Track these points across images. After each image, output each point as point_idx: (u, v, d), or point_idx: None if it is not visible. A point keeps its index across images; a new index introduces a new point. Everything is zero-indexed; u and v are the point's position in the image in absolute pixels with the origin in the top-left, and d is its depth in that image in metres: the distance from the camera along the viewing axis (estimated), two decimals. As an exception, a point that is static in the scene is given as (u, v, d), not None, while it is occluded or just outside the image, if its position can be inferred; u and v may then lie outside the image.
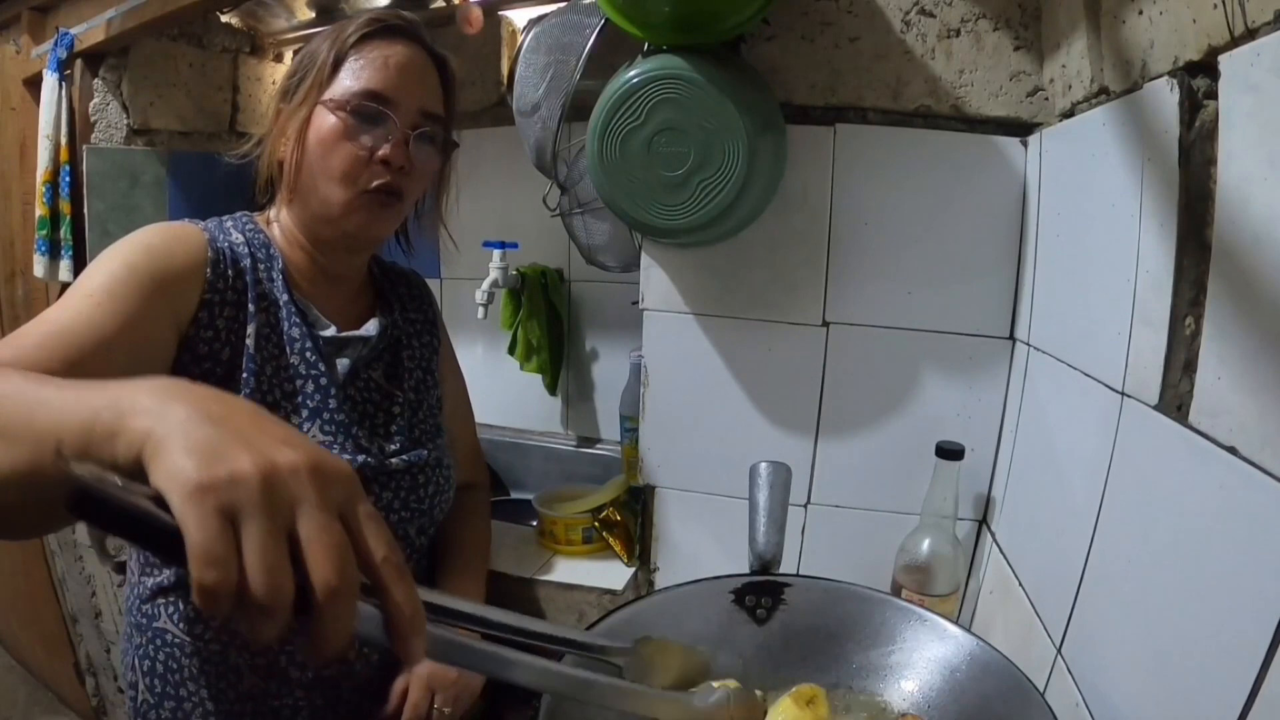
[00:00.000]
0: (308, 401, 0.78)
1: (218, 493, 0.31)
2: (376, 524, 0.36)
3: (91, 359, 0.61)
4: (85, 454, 0.35)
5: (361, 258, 0.89)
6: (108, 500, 0.31)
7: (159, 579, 0.78)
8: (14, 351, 0.58)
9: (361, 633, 0.34)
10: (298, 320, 0.79)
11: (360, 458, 0.79)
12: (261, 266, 0.79)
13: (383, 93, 0.78)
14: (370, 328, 0.87)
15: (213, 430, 0.33)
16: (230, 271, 0.76)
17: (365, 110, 0.78)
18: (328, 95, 0.78)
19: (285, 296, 0.79)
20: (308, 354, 0.79)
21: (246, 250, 0.79)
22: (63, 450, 0.35)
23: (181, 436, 0.33)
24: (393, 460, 0.83)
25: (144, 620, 0.79)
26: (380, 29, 0.81)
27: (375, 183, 0.78)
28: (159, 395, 0.36)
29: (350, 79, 0.79)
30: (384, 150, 0.78)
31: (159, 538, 0.31)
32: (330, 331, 0.82)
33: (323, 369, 0.79)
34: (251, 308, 0.76)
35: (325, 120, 0.78)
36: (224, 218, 0.83)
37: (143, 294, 0.67)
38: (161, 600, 0.77)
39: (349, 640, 0.33)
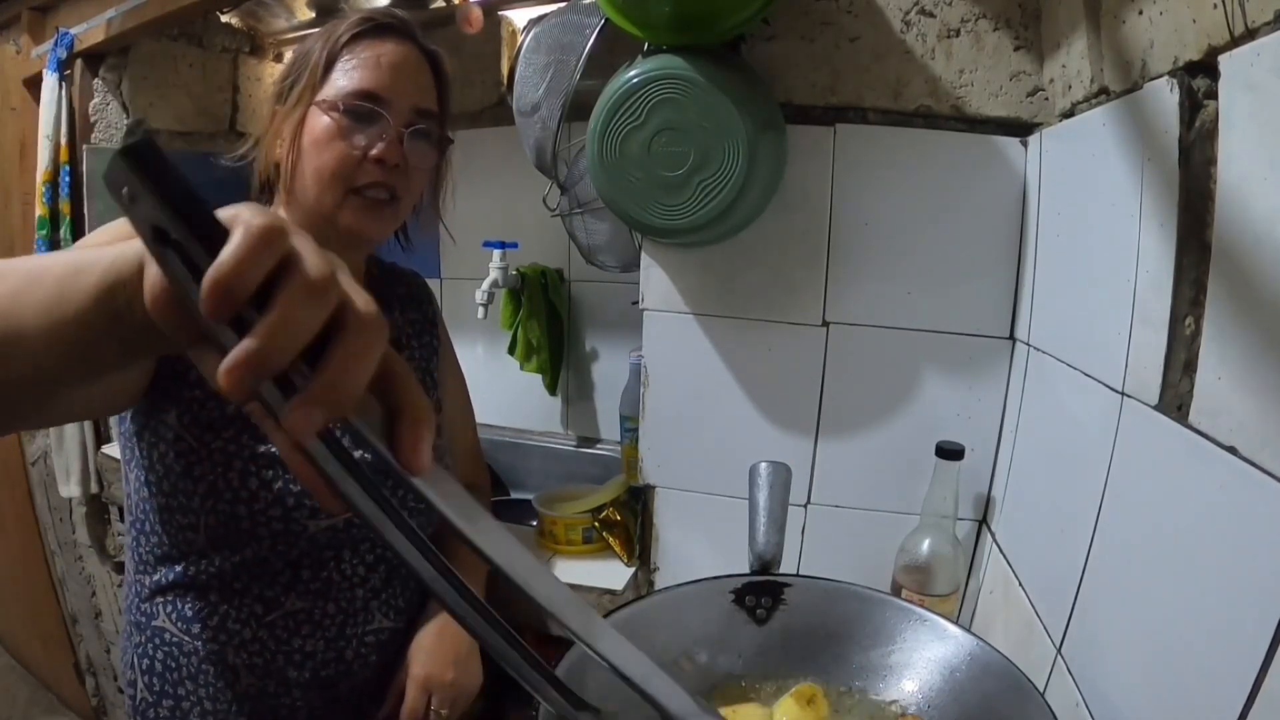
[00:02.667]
0: None
1: (282, 233, 0.30)
2: (411, 379, 0.34)
3: None
4: (113, 284, 0.35)
5: (359, 257, 0.89)
6: (165, 157, 0.28)
7: (157, 578, 0.78)
8: None
9: (361, 426, 0.31)
10: None
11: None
12: None
13: (375, 91, 0.78)
14: None
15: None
16: None
17: (358, 110, 0.78)
18: (321, 96, 0.78)
19: None
20: None
21: None
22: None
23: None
24: None
25: (142, 619, 0.79)
26: (371, 28, 0.81)
27: (369, 181, 0.78)
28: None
29: (343, 79, 0.79)
30: (378, 149, 0.78)
31: (201, 211, 0.29)
32: None
33: None
34: None
35: (319, 121, 0.78)
36: None
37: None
38: (160, 599, 0.78)
39: (356, 394, 0.30)
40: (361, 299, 0.32)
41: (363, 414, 0.32)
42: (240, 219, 0.29)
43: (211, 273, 0.28)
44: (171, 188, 0.28)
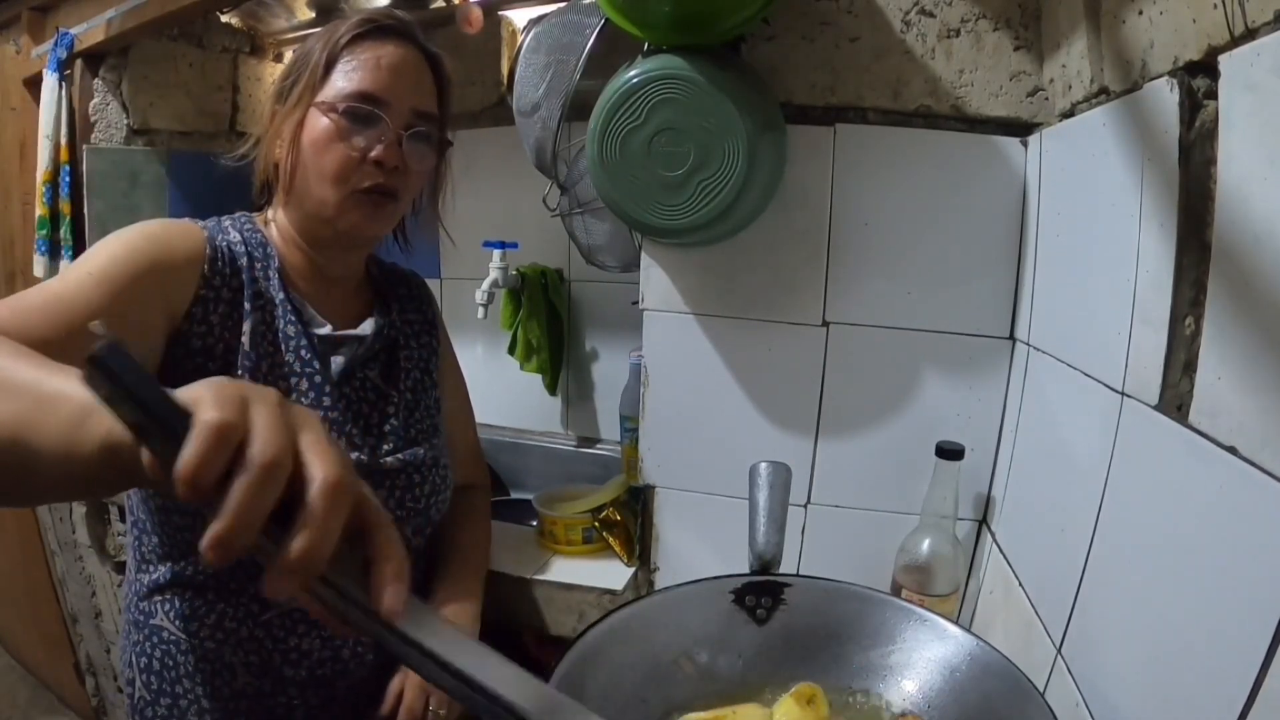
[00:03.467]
0: (301, 399, 0.78)
1: (236, 387, 0.34)
2: (390, 527, 0.36)
3: (82, 331, 0.62)
4: (79, 427, 0.38)
5: (358, 257, 0.89)
6: (130, 363, 0.31)
7: (155, 576, 0.78)
8: (13, 314, 0.59)
9: (334, 576, 0.33)
10: (293, 318, 0.79)
11: (353, 455, 0.79)
12: (258, 265, 0.79)
13: (375, 93, 0.78)
14: (366, 327, 0.87)
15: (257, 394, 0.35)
16: (227, 269, 0.76)
17: (357, 111, 0.78)
18: (320, 97, 0.79)
19: (281, 295, 0.79)
20: (302, 351, 0.79)
21: (244, 249, 0.79)
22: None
23: (209, 381, 0.35)
24: (387, 459, 0.83)
25: (141, 617, 0.79)
26: (372, 29, 0.81)
27: (368, 183, 0.79)
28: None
29: (342, 80, 0.79)
30: (377, 151, 0.78)
31: (165, 414, 0.32)
32: (325, 330, 0.83)
33: (317, 366, 0.80)
34: (247, 305, 0.77)
35: (318, 122, 0.78)
36: (222, 218, 0.83)
37: (138, 276, 0.68)
38: (158, 597, 0.78)
39: (325, 557, 0.33)
40: (324, 464, 0.34)
41: (338, 565, 0.34)
42: (199, 411, 0.32)
43: (177, 472, 0.31)
44: (137, 392, 0.32)
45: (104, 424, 0.37)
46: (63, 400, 0.39)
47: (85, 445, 0.38)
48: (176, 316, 0.73)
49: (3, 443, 0.40)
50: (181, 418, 0.32)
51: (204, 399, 0.32)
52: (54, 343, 0.55)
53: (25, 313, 0.60)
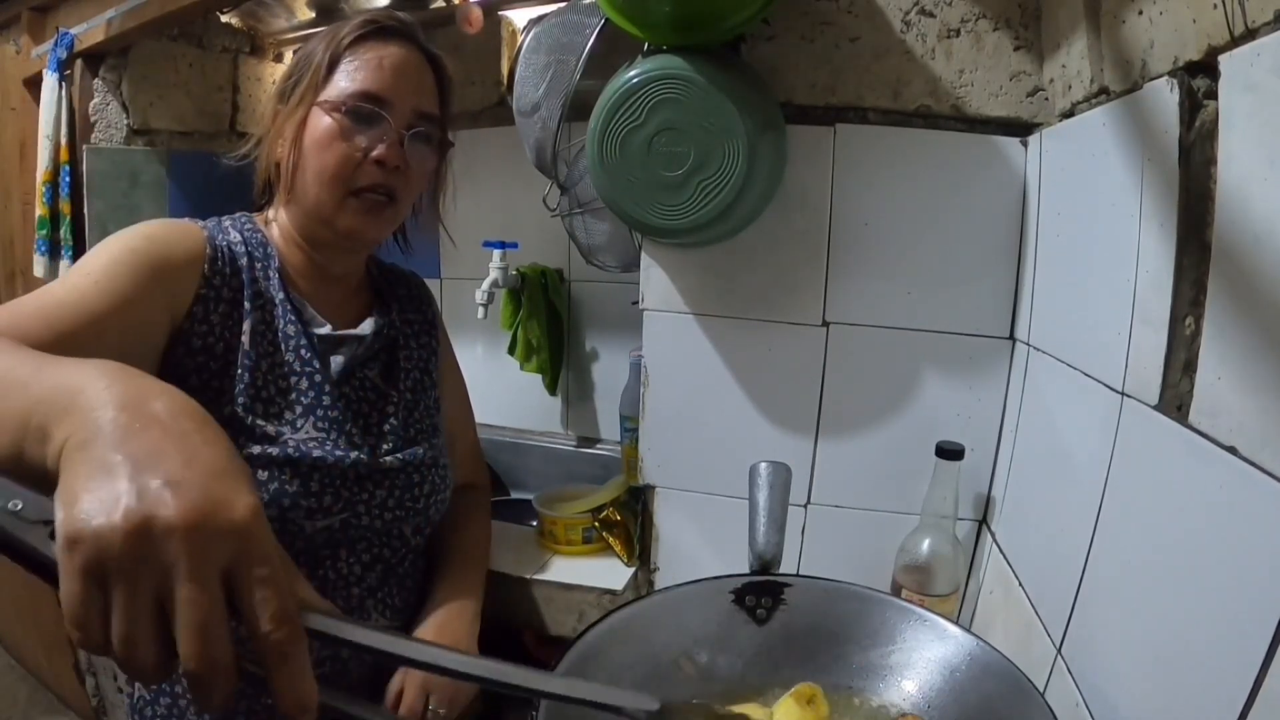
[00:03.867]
0: (301, 398, 0.78)
1: (85, 549, 0.31)
2: (267, 590, 0.33)
3: (84, 334, 0.62)
4: (20, 450, 0.38)
5: (358, 257, 0.89)
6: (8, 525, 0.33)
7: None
8: (11, 319, 0.59)
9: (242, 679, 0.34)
10: (293, 318, 0.79)
11: (353, 454, 0.79)
12: (258, 265, 0.79)
13: (377, 94, 0.79)
14: (366, 326, 0.87)
15: (118, 454, 0.33)
16: (227, 269, 0.77)
17: (360, 111, 0.78)
18: (323, 97, 0.79)
19: (281, 294, 0.80)
20: (302, 351, 0.79)
21: (244, 249, 0.79)
22: None
23: (89, 456, 0.34)
24: (386, 459, 0.83)
25: None
26: (375, 30, 0.81)
27: (369, 183, 0.79)
28: (103, 386, 0.37)
29: (345, 80, 0.79)
30: (378, 151, 0.78)
31: (42, 571, 0.33)
32: (325, 329, 0.83)
33: (317, 366, 0.80)
34: (247, 305, 0.77)
35: (320, 122, 0.78)
36: (222, 218, 0.83)
37: (139, 277, 0.68)
38: None
39: (229, 700, 0.33)
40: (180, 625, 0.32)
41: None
42: (62, 551, 0.32)
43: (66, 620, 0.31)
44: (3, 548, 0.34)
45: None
46: (3, 426, 0.39)
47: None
48: (177, 316, 0.73)
49: None
50: (52, 569, 0.32)
51: (61, 567, 0.32)
52: (49, 348, 0.54)
53: (21, 317, 0.60)
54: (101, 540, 0.31)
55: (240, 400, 0.74)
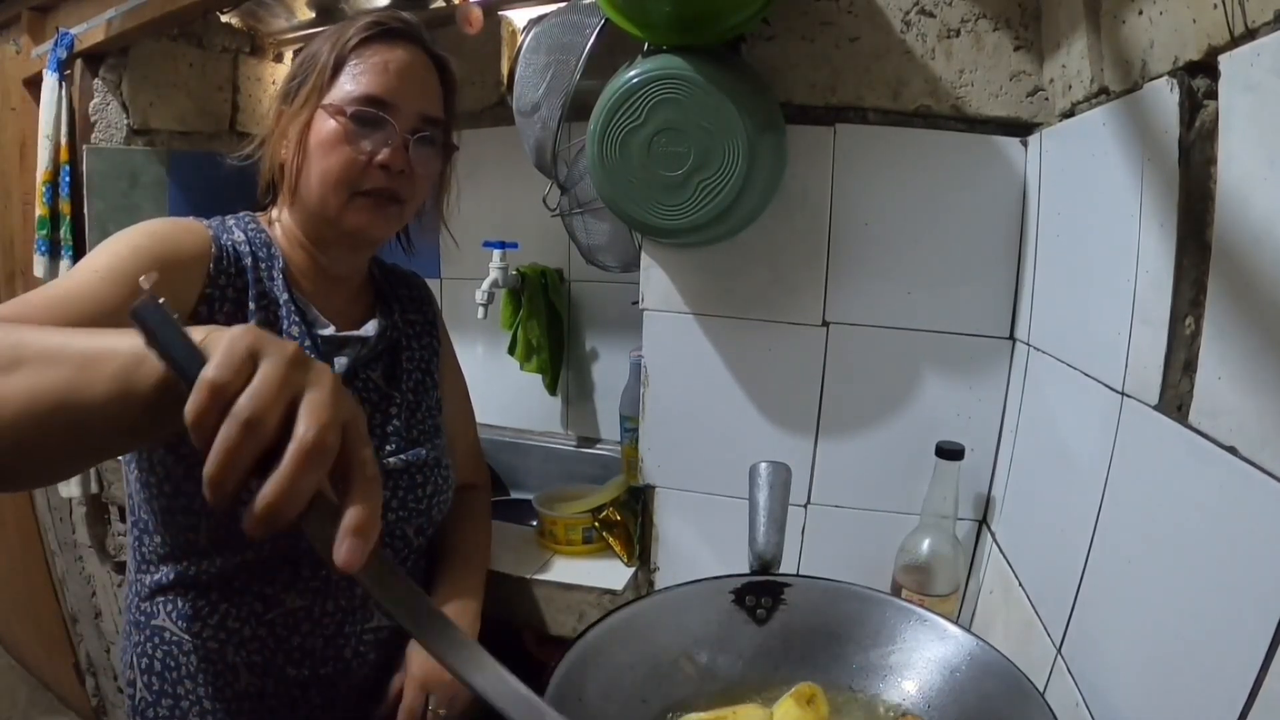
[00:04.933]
0: None
1: (255, 339, 0.37)
2: (369, 444, 0.38)
3: (92, 327, 0.62)
4: (128, 381, 0.40)
5: (362, 258, 0.89)
6: (162, 316, 0.37)
7: (158, 577, 0.78)
8: (21, 312, 0.59)
9: (308, 525, 0.36)
10: (297, 319, 0.79)
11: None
12: (262, 265, 0.79)
13: (382, 97, 0.79)
14: (369, 328, 0.87)
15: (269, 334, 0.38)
16: (232, 269, 0.76)
17: (364, 115, 0.78)
18: (327, 99, 0.79)
19: (285, 295, 0.79)
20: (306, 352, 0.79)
21: (248, 249, 0.79)
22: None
23: (241, 329, 0.38)
24: (390, 460, 0.83)
25: (142, 618, 0.79)
26: (380, 32, 0.81)
27: (372, 186, 0.79)
28: (245, 328, 0.39)
29: (350, 83, 0.79)
30: (382, 155, 0.78)
31: (187, 365, 0.36)
32: (329, 331, 0.83)
33: None
34: (251, 305, 0.77)
35: (325, 124, 0.78)
36: (226, 217, 0.83)
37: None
38: (160, 598, 0.77)
39: (294, 515, 0.35)
40: (309, 423, 0.36)
41: (318, 515, 0.36)
42: (206, 366, 0.36)
43: (184, 419, 0.35)
44: (165, 344, 0.37)
45: (157, 368, 0.39)
46: (109, 355, 0.41)
47: (140, 388, 0.40)
48: (183, 315, 0.72)
49: (51, 409, 0.41)
50: (200, 366, 0.36)
51: (215, 352, 0.36)
52: None
53: (30, 310, 0.59)
54: (271, 341, 0.37)
55: None
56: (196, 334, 0.38)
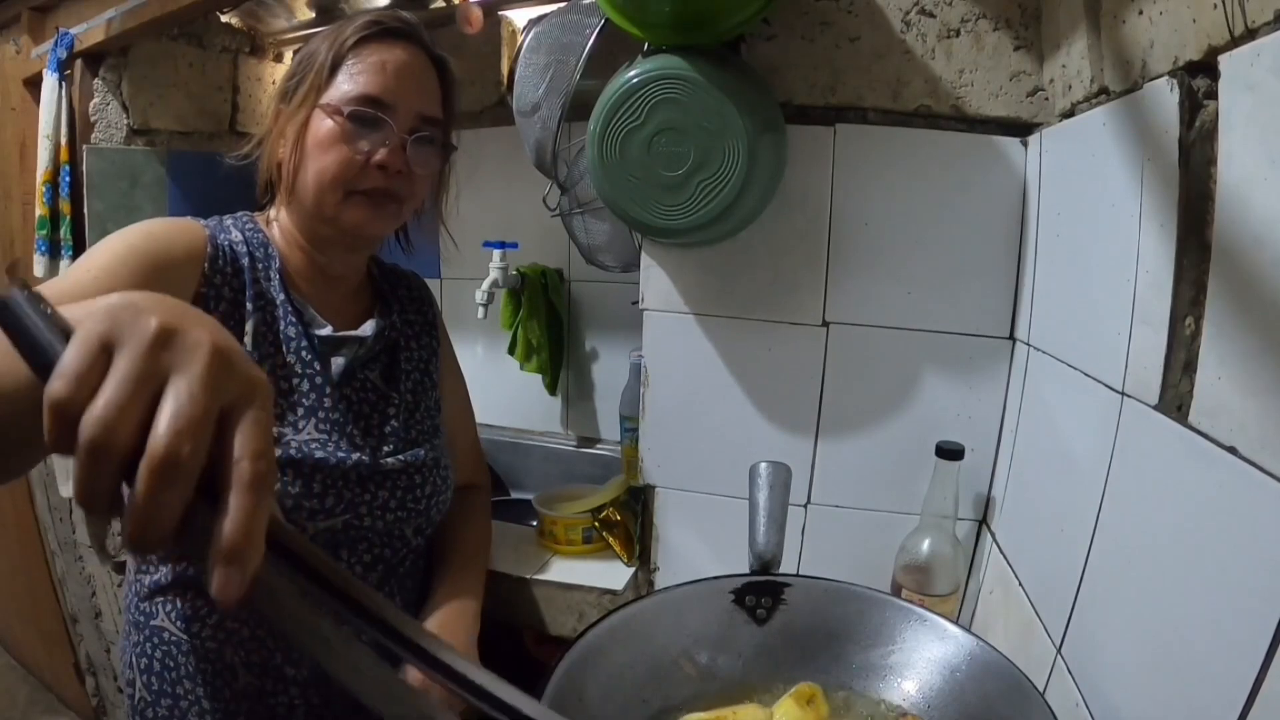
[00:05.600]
0: (303, 400, 0.78)
1: (111, 326, 0.30)
2: (259, 432, 0.31)
3: None
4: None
5: (360, 257, 0.89)
6: (24, 311, 0.31)
7: (156, 577, 0.78)
8: None
9: (183, 544, 0.29)
10: (294, 319, 0.79)
11: (355, 456, 0.79)
12: (259, 265, 0.79)
13: (380, 97, 0.78)
14: (367, 328, 0.87)
15: (153, 301, 0.32)
16: (228, 269, 0.76)
17: (362, 115, 0.78)
18: (325, 99, 0.79)
19: (282, 295, 0.79)
20: (303, 352, 0.79)
21: (245, 249, 0.79)
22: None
23: (121, 301, 0.32)
24: (388, 460, 0.83)
25: (141, 618, 0.79)
26: (379, 31, 0.81)
27: (370, 186, 0.79)
28: (130, 292, 0.34)
29: (348, 83, 0.79)
30: (380, 155, 0.78)
31: (40, 357, 0.30)
32: (326, 330, 0.83)
33: (318, 368, 0.80)
34: (249, 305, 0.77)
35: (322, 124, 0.78)
36: (224, 217, 0.83)
37: (140, 273, 0.68)
38: (159, 598, 0.78)
39: (163, 537, 0.29)
40: (153, 442, 0.28)
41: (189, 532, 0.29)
42: (85, 318, 0.30)
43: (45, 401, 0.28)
44: (23, 345, 0.30)
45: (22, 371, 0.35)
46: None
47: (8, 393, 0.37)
48: None
49: None
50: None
51: (65, 352, 0.29)
52: None
53: None
54: (131, 321, 0.30)
55: None
56: (75, 310, 0.33)
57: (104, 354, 0.29)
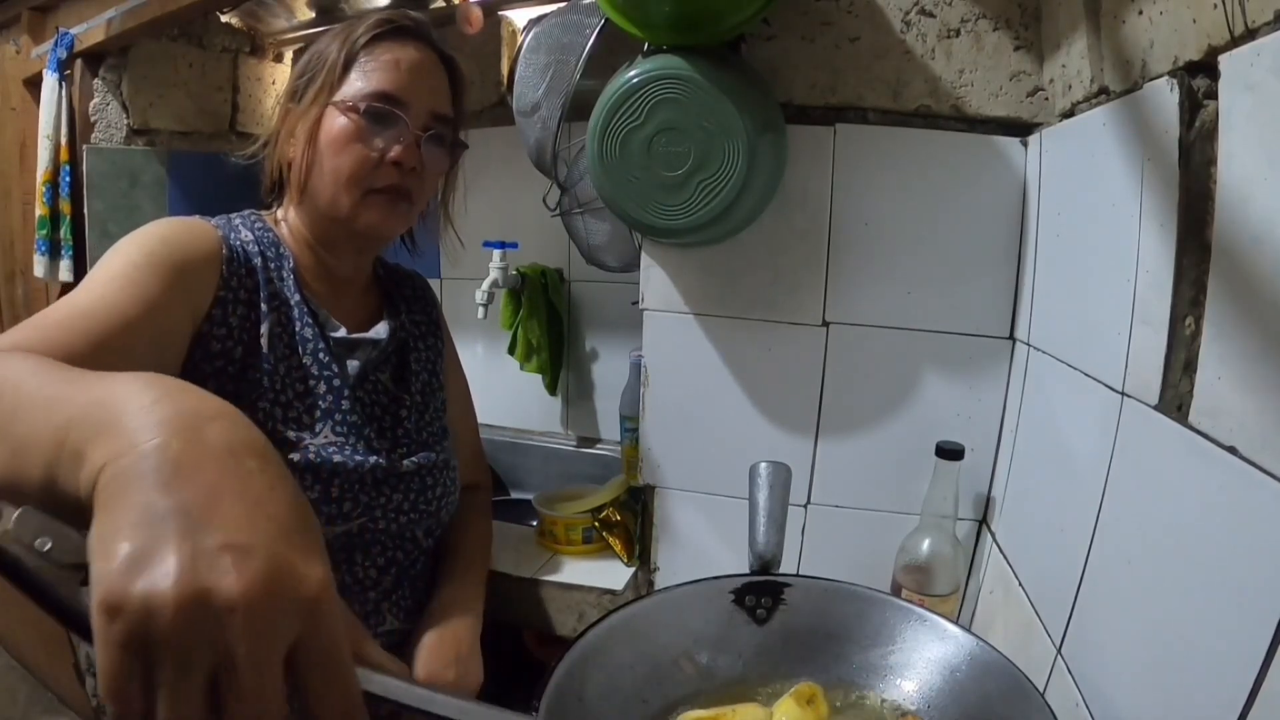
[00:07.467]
0: (320, 402, 0.78)
1: (128, 620, 0.27)
2: (332, 675, 0.30)
3: (115, 340, 0.59)
4: (53, 475, 0.33)
5: (368, 258, 0.89)
6: (22, 568, 0.29)
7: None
8: (39, 333, 0.56)
9: None
10: (309, 320, 0.79)
11: (372, 459, 0.79)
12: (272, 265, 0.79)
13: (394, 94, 0.78)
14: (380, 330, 0.87)
15: (167, 498, 0.29)
16: (243, 269, 0.76)
17: (377, 112, 0.78)
18: (339, 96, 0.78)
19: (297, 296, 0.79)
20: (320, 355, 0.79)
21: (256, 249, 0.78)
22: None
23: (131, 496, 0.29)
24: (404, 462, 0.83)
25: None
26: (390, 30, 0.81)
27: (384, 184, 0.78)
28: (148, 401, 0.32)
29: (361, 80, 0.79)
30: (395, 152, 0.78)
31: (73, 623, 0.29)
32: (341, 333, 0.82)
33: (335, 370, 0.79)
34: (264, 307, 0.76)
35: (336, 122, 0.78)
36: (232, 215, 0.82)
37: (162, 280, 0.66)
38: None
39: None
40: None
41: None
42: (99, 615, 0.27)
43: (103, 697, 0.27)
44: (29, 591, 0.29)
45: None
46: (37, 442, 0.34)
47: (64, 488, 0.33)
48: (198, 319, 0.71)
49: None
50: (84, 623, 0.28)
51: (98, 633, 0.27)
52: (79, 358, 0.51)
53: (47, 330, 0.57)
54: (148, 612, 0.27)
55: (262, 405, 0.73)
56: (81, 459, 0.30)
57: (137, 659, 0.27)
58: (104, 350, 0.57)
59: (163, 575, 0.27)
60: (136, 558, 0.27)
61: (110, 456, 0.30)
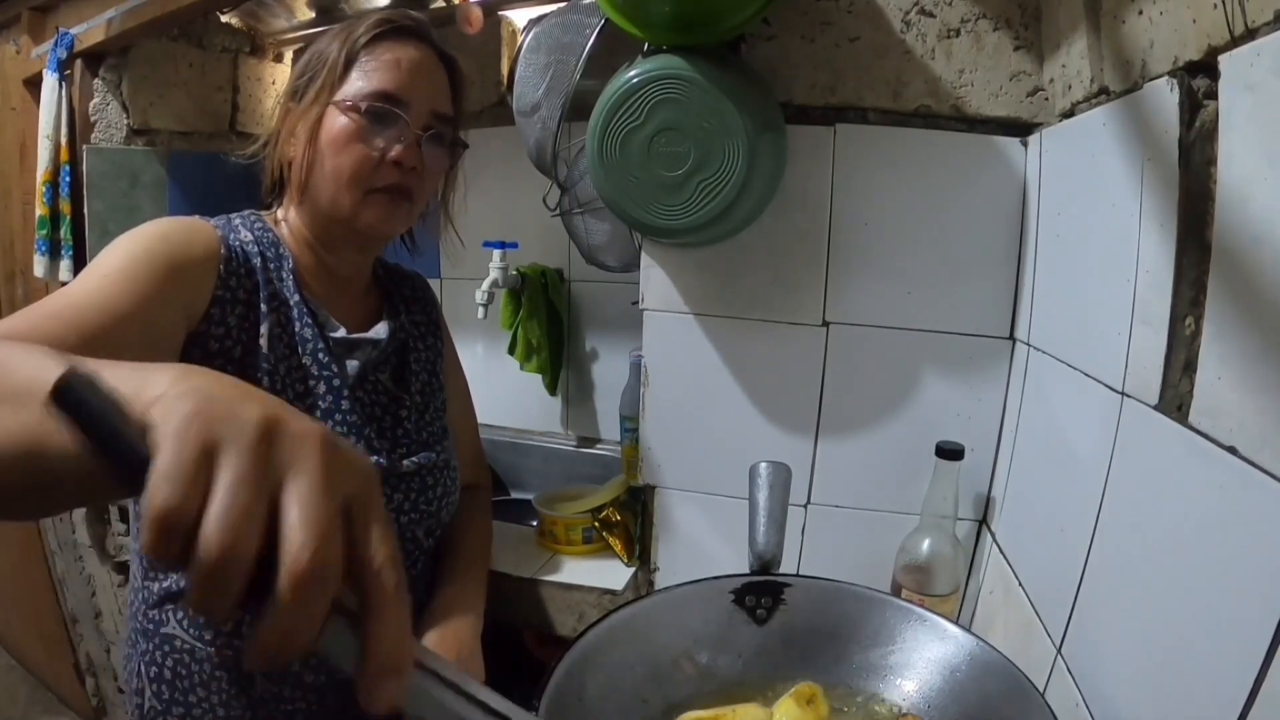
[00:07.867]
0: (320, 402, 0.78)
1: (208, 423, 0.27)
2: (385, 530, 0.30)
3: (106, 334, 0.59)
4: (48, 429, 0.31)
5: (369, 257, 0.89)
6: (90, 398, 0.27)
7: (166, 584, 0.77)
8: (28, 323, 0.55)
9: (326, 651, 0.29)
10: (309, 321, 0.79)
11: (373, 460, 0.79)
12: (271, 265, 0.79)
13: (395, 93, 0.78)
14: (380, 330, 0.87)
15: (230, 390, 0.30)
16: (242, 269, 0.76)
17: (377, 111, 0.78)
18: (339, 96, 0.78)
19: (296, 297, 0.79)
20: (320, 355, 0.79)
21: (256, 249, 0.78)
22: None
23: (193, 392, 0.29)
24: (404, 462, 0.83)
25: (150, 626, 0.78)
26: (391, 29, 0.81)
27: (385, 183, 0.78)
28: (180, 373, 0.31)
29: (361, 79, 0.79)
30: (396, 151, 0.78)
31: (125, 454, 0.27)
32: (341, 333, 0.82)
33: (335, 370, 0.79)
34: (263, 307, 0.76)
35: (337, 121, 0.78)
36: (231, 215, 0.82)
37: (157, 277, 0.66)
38: (170, 605, 0.76)
39: (304, 650, 0.28)
40: (298, 539, 0.27)
41: (332, 638, 0.29)
42: (150, 479, 0.26)
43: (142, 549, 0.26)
44: (96, 436, 0.27)
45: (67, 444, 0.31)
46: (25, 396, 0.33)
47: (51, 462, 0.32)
48: (194, 318, 0.71)
49: (12, 461, 0.32)
50: (143, 465, 0.27)
51: (159, 455, 0.26)
52: (68, 349, 0.49)
53: (38, 320, 0.56)
54: (233, 417, 0.27)
55: None
56: (136, 393, 0.29)
57: (205, 458, 0.27)
58: (93, 343, 0.56)
59: (245, 406, 0.28)
60: (215, 399, 0.28)
61: (166, 388, 0.29)
